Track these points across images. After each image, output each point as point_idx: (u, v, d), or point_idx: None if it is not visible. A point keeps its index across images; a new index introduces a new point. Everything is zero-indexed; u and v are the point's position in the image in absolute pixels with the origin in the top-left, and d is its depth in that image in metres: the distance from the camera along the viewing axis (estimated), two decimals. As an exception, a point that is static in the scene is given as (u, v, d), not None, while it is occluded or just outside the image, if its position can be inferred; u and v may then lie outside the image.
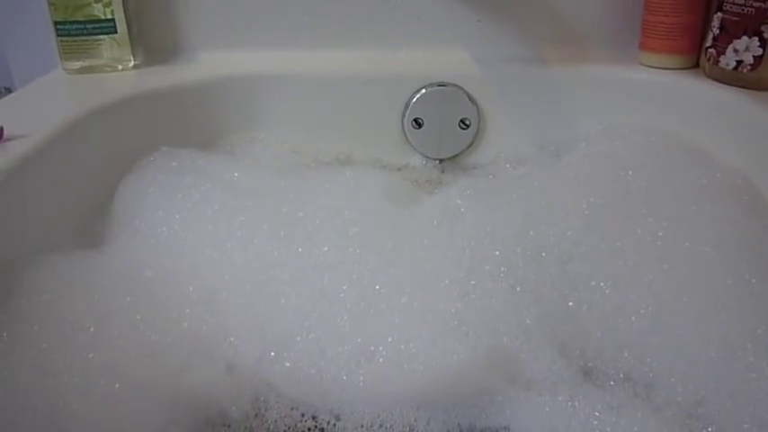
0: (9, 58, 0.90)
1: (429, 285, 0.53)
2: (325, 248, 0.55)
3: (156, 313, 0.50)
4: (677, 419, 0.47)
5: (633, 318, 0.52)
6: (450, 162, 0.82)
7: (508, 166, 0.77)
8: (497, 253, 0.55)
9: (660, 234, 0.56)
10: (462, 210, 0.59)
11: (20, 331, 0.46)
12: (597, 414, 0.46)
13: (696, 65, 0.77)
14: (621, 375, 0.51)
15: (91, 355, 0.46)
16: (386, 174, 0.74)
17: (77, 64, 0.78)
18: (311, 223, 0.57)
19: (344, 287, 0.52)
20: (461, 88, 0.79)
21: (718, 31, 0.71)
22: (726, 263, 0.53)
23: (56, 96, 0.74)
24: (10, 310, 0.48)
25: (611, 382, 0.50)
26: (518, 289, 0.53)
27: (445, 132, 0.81)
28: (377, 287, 0.52)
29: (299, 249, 0.55)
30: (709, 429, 0.46)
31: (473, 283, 0.53)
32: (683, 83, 0.75)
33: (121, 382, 0.45)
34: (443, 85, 0.79)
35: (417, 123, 0.80)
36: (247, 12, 0.82)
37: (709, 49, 0.72)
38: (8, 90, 0.93)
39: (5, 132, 0.57)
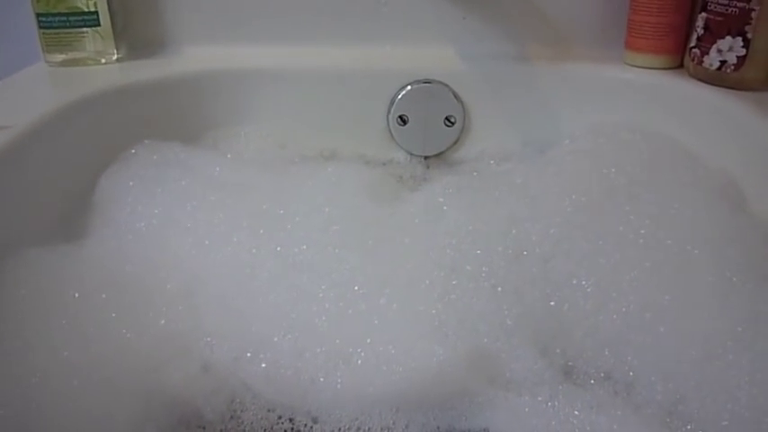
0: (-10, 51, 0.89)
1: (409, 285, 0.52)
2: (305, 247, 0.54)
3: (132, 310, 0.50)
4: (657, 417, 0.47)
5: (615, 316, 0.52)
6: (435, 159, 0.82)
7: (492, 162, 0.77)
8: (479, 252, 0.54)
9: (642, 232, 0.56)
10: (445, 208, 0.59)
11: (-5, 328, 0.46)
12: (577, 413, 0.46)
13: (681, 65, 0.77)
14: (602, 374, 0.51)
15: (66, 353, 0.45)
16: (368, 170, 0.73)
17: (60, 57, 0.77)
18: (291, 221, 0.57)
19: (323, 287, 0.52)
20: (447, 85, 0.79)
21: (702, 32, 0.71)
22: (708, 261, 0.53)
23: (37, 89, 0.73)
24: (-14, 307, 0.47)
25: (592, 381, 0.50)
26: (499, 289, 0.53)
27: (430, 129, 0.80)
28: (356, 287, 0.52)
29: (278, 248, 0.54)
30: (689, 427, 0.46)
31: (454, 282, 0.53)
32: (668, 83, 0.75)
33: (96, 381, 0.44)
34: (429, 82, 0.79)
35: (402, 120, 0.80)
36: (233, 7, 0.82)
37: (694, 50, 0.72)
38: (-11, 82, 0.92)
39: (-16, 125, 0.56)
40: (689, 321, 0.50)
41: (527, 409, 0.47)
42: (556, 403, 0.47)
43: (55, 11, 0.75)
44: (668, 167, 0.64)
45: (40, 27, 0.76)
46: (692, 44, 0.73)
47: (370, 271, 0.53)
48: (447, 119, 0.80)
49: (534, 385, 0.49)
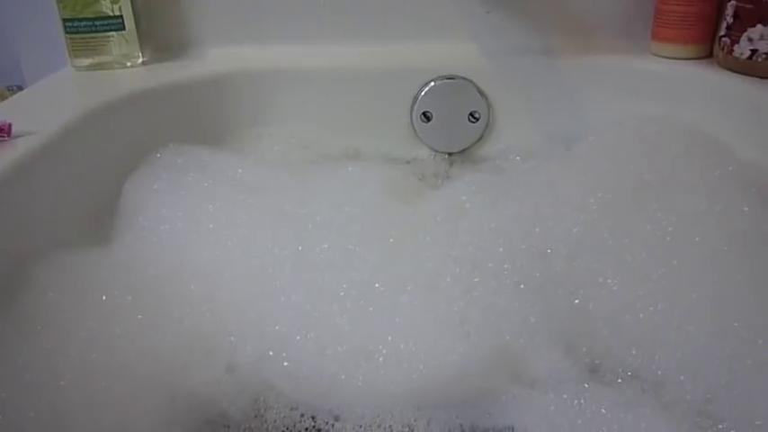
0: (20, 57, 0.91)
1: (431, 283, 0.52)
2: (326, 246, 0.54)
3: (157, 312, 0.50)
4: (687, 416, 0.46)
5: (641, 315, 0.51)
6: (459, 155, 0.81)
7: (518, 158, 0.76)
8: (501, 250, 0.54)
9: (670, 229, 0.55)
10: (467, 206, 0.58)
11: (24, 330, 0.47)
12: (603, 412, 0.45)
13: (710, 55, 0.76)
14: (629, 373, 0.50)
15: (93, 355, 0.46)
16: (389, 168, 0.73)
17: (86, 61, 0.79)
18: (312, 220, 0.57)
19: (344, 285, 0.52)
20: (470, 81, 0.78)
21: (731, 20, 0.69)
22: (737, 257, 0.52)
23: (64, 93, 0.74)
24: (16, 309, 0.48)
25: (619, 380, 0.49)
26: (522, 286, 0.52)
27: (454, 126, 0.80)
28: (377, 285, 0.52)
29: (300, 247, 0.55)
30: (720, 426, 0.45)
31: (476, 280, 0.52)
32: (697, 73, 0.73)
33: (123, 382, 0.45)
34: (452, 78, 0.78)
35: (426, 117, 0.80)
36: (255, 7, 0.82)
37: (723, 39, 0.71)
38: (20, 88, 0.94)
39: (13, 129, 0.57)
40: (719, 319, 0.49)
41: (552, 408, 0.46)
42: (582, 401, 0.46)
43: (81, 16, 0.77)
44: (697, 161, 0.63)
45: (67, 32, 0.77)
46: (722, 33, 0.71)
47: (391, 269, 0.53)
48: (471, 115, 0.79)
49: (559, 383, 0.48)
